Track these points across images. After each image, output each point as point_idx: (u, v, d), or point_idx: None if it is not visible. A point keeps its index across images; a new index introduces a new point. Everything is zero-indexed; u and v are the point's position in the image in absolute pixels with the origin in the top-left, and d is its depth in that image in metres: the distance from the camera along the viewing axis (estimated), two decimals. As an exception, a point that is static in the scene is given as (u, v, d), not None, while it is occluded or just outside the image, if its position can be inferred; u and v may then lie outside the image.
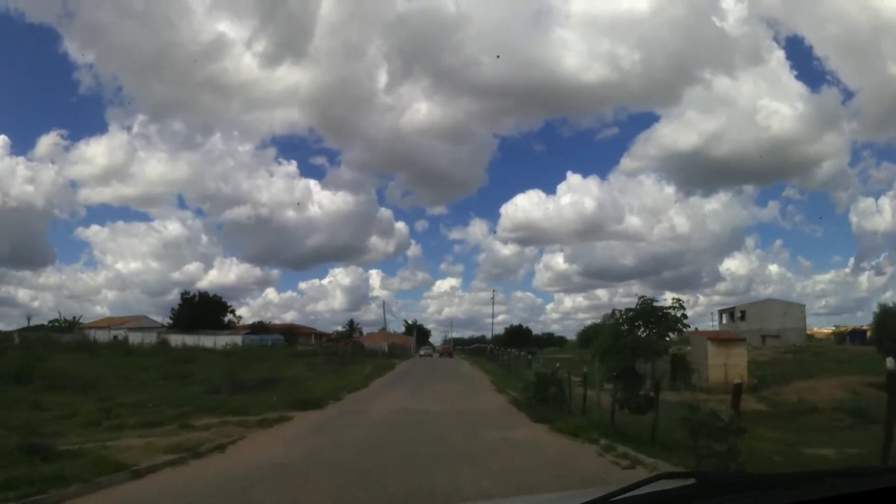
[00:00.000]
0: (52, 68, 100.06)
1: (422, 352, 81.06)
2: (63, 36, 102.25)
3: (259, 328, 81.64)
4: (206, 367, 32.12)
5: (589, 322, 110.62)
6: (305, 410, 17.13)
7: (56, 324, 77.07)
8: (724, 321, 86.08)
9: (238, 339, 66.05)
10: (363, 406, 18.54)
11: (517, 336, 71.19)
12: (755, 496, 1.83)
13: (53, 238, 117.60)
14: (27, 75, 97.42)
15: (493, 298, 71.90)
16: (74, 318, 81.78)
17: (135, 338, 58.06)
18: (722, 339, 33.22)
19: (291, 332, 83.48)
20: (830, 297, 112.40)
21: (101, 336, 60.96)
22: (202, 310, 77.50)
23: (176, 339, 56.95)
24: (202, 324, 72.60)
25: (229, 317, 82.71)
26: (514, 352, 35.40)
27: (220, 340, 61.17)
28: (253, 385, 23.95)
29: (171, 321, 78.30)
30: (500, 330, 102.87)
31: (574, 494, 2.53)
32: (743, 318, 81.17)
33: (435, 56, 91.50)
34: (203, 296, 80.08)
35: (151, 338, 60.36)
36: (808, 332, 76.88)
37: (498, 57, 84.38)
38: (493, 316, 74.24)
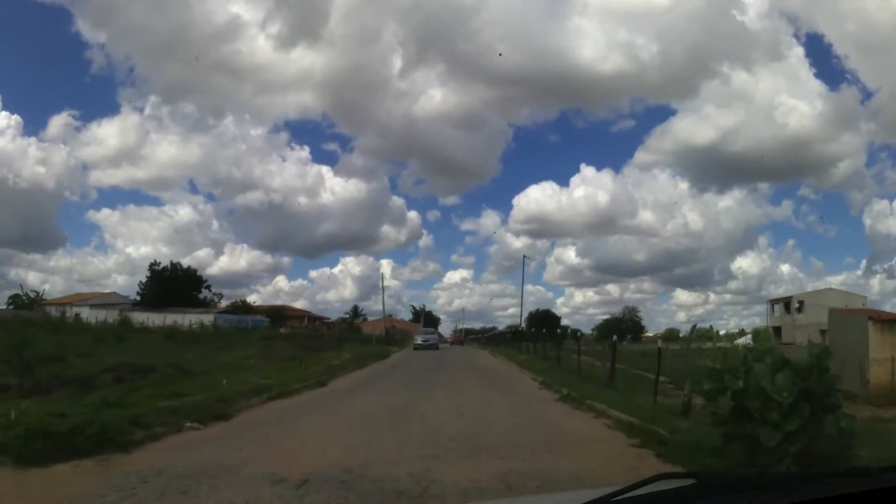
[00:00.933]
0: (65, 48, 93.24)
1: (419, 339, 48.74)
2: (75, 15, 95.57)
3: (240, 308, 71.00)
4: (123, 349, 22.93)
5: (599, 317, 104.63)
6: (40, 465, 5.53)
7: (17, 299, 67.72)
8: (777, 313, 75.91)
9: (209, 318, 56.05)
10: (255, 449, 6.80)
11: (542, 322, 59.43)
12: (755, 496, 1.76)
13: (64, 221, 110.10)
14: (39, 55, 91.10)
15: (523, 266, 58.07)
16: (37, 293, 71.92)
17: (98, 315, 49.36)
18: (890, 321, 20.96)
19: (278, 314, 72.45)
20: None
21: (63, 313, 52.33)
22: (173, 285, 66.75)
23: (141, 317, 48.55)
24: (174, 300, 62.21)
25: (206, 293, 72.10)
26: (568, 331, 23.43)
27: (191, 319, 51.79)
28: (96, 377, 12.42)
29: (138, 297, 67.84)
30: (509, 320, 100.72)
31: (574, 495, 2.42)
32: (800, 309, 71.09)
33: (450, 42, 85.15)
34: (175, 268, 68.82)
35: (114, 315, 50.98)
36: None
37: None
38: (522, 284, 61.57)
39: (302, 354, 23.62)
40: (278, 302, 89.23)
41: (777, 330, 68.81)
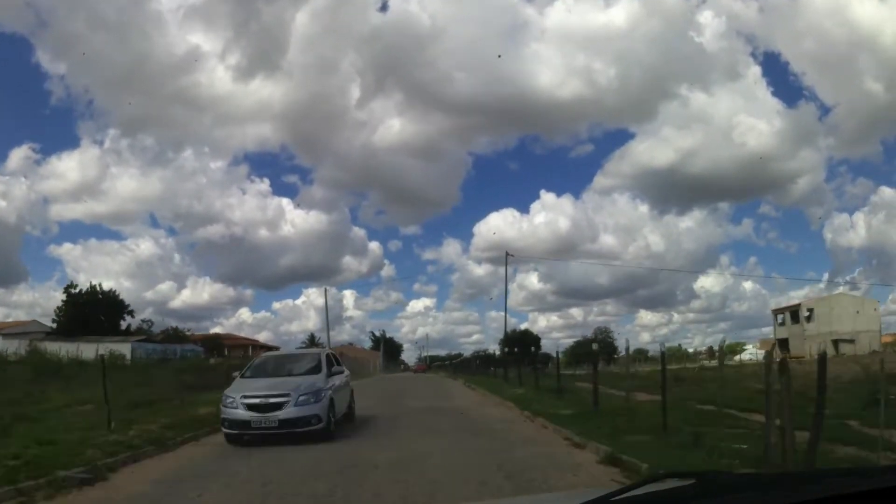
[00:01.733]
0: (24, 78, 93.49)
1: (233, 401, 11.82)
2: (35, 45, 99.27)
3: (172, 336, 62.17)
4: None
5: (563, 341, 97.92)
6: None
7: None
8: (783, 322, 70.96)
9: (126, 348, 48.08)
10: None
11: (520, 343, 51.39)
12: (755, 496, 1.76)
13: (26, 255, 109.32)
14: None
15: (505, 265, 49.03)
16: (-53, 321, 63.27)
17: (10, 345, 43.46)
18: None
19: (214, 343, 63.78)
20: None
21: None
22: (91, 310, 57.66)
23: (56, 347, 41.98)
24: (93, 327, 54.60)
25: (135, 321, 63.17)
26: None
27: (106, 348, 44.99)
28: None
29: (54, 324, 59.38)
30: (474, 346, 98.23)
31: (574, 494, 2.46)
32: (810, 318, 66.29)
33: (409, 71, 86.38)
34: (94, 292, 59.43)
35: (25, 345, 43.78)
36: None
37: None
38: (506, 287, 51.91)
39: (180, 394, 15.03)
40: (242, 334, 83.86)
41: (784, 342, 61.62)
